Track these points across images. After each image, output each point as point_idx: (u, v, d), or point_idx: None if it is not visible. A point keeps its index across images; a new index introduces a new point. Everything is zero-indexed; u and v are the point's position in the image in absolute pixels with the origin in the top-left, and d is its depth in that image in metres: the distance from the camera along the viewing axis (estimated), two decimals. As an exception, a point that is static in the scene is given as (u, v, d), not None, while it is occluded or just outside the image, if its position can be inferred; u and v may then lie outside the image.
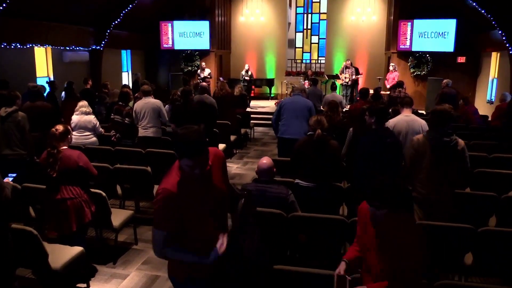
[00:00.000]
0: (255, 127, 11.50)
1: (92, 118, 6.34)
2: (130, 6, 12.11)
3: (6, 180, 3.55)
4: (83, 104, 6.33)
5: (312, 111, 5.92)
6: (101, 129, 6.47)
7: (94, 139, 6.35)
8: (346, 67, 13.64)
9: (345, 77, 13.58)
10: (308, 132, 4.58)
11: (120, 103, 6.79)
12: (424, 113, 11.36)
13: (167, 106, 7.36)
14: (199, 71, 13.83)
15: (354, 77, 13.62)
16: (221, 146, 7.83)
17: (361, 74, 14.38)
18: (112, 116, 6.75)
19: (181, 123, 6.94)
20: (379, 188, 2.28)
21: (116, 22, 12.06)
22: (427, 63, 13.79)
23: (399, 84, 9.83)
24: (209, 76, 13.36)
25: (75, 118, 6.27)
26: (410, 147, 3.97)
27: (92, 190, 4.07)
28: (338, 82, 12.97)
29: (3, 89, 5.93)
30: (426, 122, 4.65)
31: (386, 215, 2.30)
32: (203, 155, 2.15)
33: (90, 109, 6.43)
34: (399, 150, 4.24)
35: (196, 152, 2.11)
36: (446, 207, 3.88)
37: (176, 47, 15.12)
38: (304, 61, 18.15)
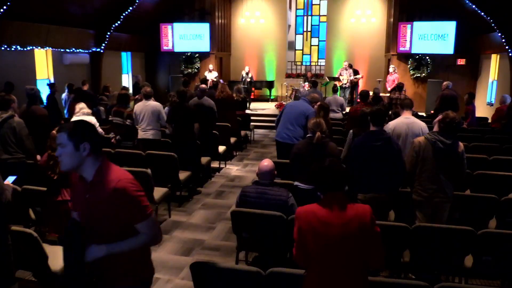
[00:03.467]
0: (255, 129, 11.50)
1: (92, 120, 6.33)
2: (131, 8, 12.14)
3: (6, 182, 3.55)
4: (83, 106, 6.33)
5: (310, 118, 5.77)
6: (100, 130, 6.46)
7: (94, 141, 6.33)
8: (345, 69, 13.66)
9: (343, 79, 13.60)
10: (305, 135, 4.55)
11: (119, 105, 6.79)
12: (424, 115, 11.36)
13: (166, 108, 7.37)
14: (206, 72, 13.87)
15: (352, 77, 13.64)
16: (221, 148, 7.84)
17: (362, 76, 14.39)
18: (110, 118, 6.74)
19: (178, 124, 6.93)
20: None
21: (117, 24, 12.08)
22: (427, 65, 13.80)
23: (399, 87, 9.82)
24: (215, 79, 13.28)
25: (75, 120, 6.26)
26: (411, 149, 3.92)
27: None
28: (338, 84, 12.98)
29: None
30: (429, 124, 4.65)
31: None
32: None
33: (90, 110, 6.42)
34: (392, 153, 4.01)
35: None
36: (446, 209, 3.88)
37: (176, 49, 15.14)
38: (304, 63, 18.16)
